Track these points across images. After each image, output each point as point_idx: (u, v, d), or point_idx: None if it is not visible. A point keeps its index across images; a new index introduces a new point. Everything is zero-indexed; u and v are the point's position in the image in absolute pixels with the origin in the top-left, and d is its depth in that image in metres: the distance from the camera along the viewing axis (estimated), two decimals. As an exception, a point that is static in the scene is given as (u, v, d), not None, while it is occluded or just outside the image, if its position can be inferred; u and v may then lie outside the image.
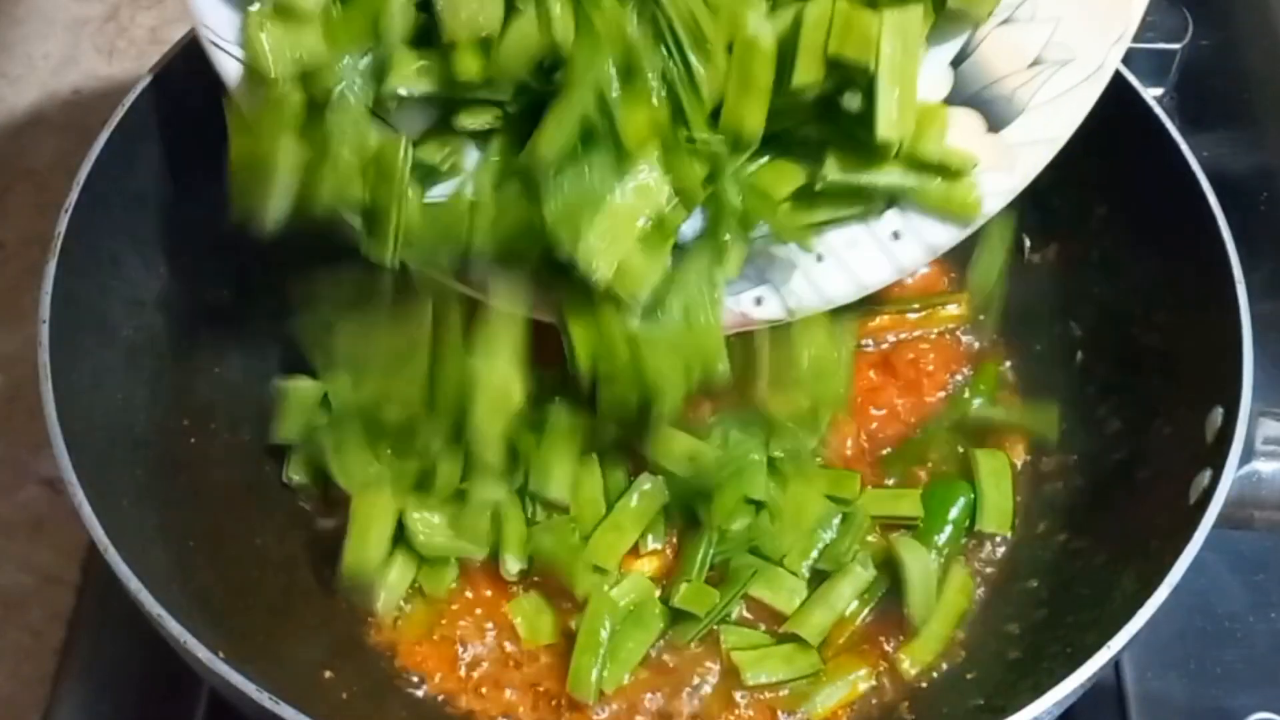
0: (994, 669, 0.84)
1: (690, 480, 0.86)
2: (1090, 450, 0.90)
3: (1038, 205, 0.88)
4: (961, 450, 0.92)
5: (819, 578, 0.87)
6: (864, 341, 0.96)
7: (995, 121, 0.79)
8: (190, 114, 0.80)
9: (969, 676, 0.84)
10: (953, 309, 0.98)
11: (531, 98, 0.74)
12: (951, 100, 0.79)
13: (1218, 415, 0.78)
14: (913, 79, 0.75)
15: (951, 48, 0.79)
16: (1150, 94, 0.87)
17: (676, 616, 0.86)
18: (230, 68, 0.76)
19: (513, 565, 0.87)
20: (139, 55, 1.20)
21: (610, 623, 0.84)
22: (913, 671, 0.85)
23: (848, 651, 0.86)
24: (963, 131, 0.79)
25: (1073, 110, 0.79)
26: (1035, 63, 0.79)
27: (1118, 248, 0.91)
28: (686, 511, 0.88)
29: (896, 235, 0.81)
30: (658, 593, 0.87)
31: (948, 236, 0.81)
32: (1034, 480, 0.92)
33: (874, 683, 0.85)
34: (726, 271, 0.78)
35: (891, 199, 0.80)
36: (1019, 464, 0.93)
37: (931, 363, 0.96)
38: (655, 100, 0.72)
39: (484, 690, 0.85)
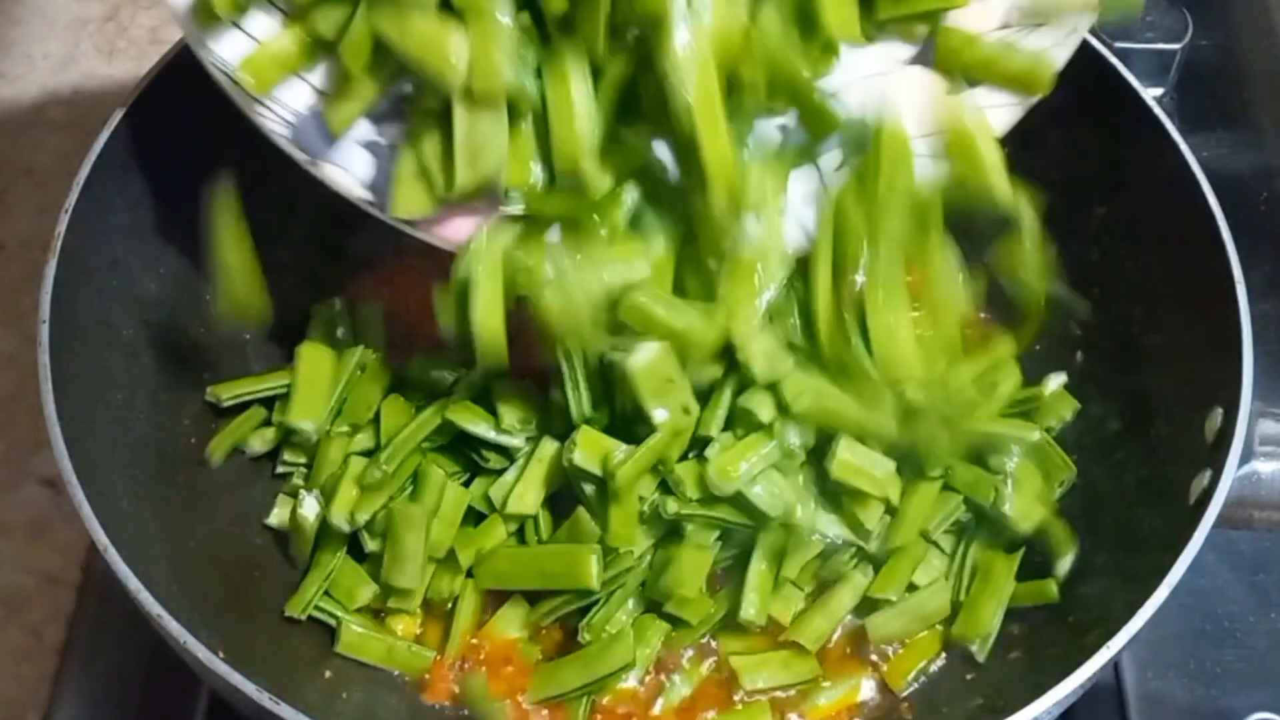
0: (994, 669, 0.84)
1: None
2: (1090, 450, 0.90)
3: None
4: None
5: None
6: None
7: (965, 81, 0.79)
8: (190, 114, 0.80)
9: (969, 676, 0.84)
10: (953, 309, 0.97)
11: None
12: (920, 60, 0.79)
13: (1218, 415, 0.78)
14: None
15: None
16: (1150, 94, 0.87)
17: (673, 622, 0.85)
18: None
19: None
20: (139, 55, 1.20)
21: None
22: (906, 677, 0.85)
23: (846, 656, 0.86)
24: (930, 91, 0.79)
25: None
26: (1004, 25, 0.79)
27: (1118, 248, 0.91)
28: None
29: None
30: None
31: None
32: (1034, 480, 0.91)
33: (874, 683, 0.85)
34: None
35: None
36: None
37: (932, 362, 0.96)
38: None
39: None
